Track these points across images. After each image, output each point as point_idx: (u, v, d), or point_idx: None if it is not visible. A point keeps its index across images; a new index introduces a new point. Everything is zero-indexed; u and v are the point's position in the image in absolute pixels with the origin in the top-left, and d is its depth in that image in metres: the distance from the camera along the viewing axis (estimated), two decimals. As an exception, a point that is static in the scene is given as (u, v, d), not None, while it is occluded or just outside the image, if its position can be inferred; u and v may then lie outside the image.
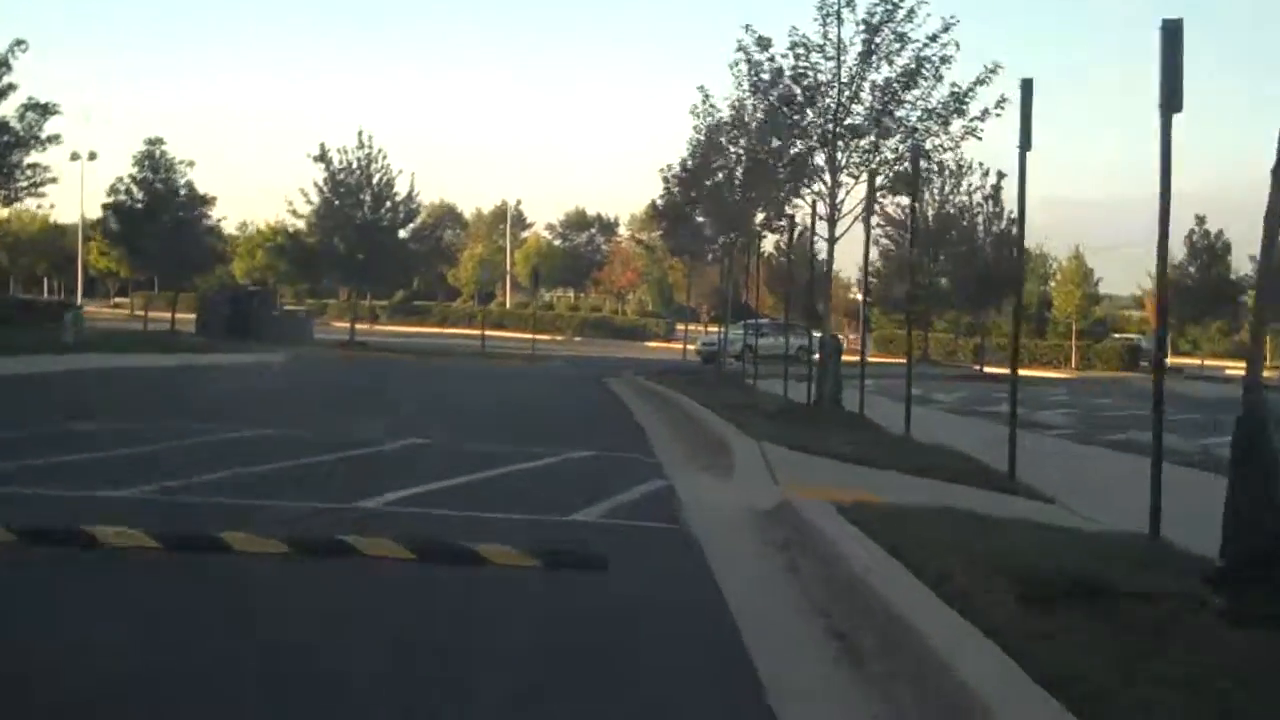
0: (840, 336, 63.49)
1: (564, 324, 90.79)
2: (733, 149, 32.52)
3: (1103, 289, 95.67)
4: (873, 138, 18.24)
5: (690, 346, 66.00)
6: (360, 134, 56.60)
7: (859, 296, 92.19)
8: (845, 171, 18.12)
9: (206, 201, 58.13)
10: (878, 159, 18.70)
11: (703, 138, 34.99)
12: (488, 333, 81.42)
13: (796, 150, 17.99)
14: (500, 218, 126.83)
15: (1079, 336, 78.87)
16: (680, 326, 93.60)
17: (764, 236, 34.42)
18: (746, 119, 27.11)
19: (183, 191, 57.18)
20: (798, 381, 28.36)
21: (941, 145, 18.35)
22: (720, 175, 35.29)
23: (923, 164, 19.02)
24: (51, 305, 62.20)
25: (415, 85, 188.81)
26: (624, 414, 26.08)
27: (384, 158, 56.87)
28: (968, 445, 17.04)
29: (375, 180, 56.79)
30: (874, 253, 68.35)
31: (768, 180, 22.40)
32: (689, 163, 37.71)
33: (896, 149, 18.37)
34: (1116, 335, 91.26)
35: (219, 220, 62.17)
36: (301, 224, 57.72)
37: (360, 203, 56.63)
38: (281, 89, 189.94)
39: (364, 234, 56.23)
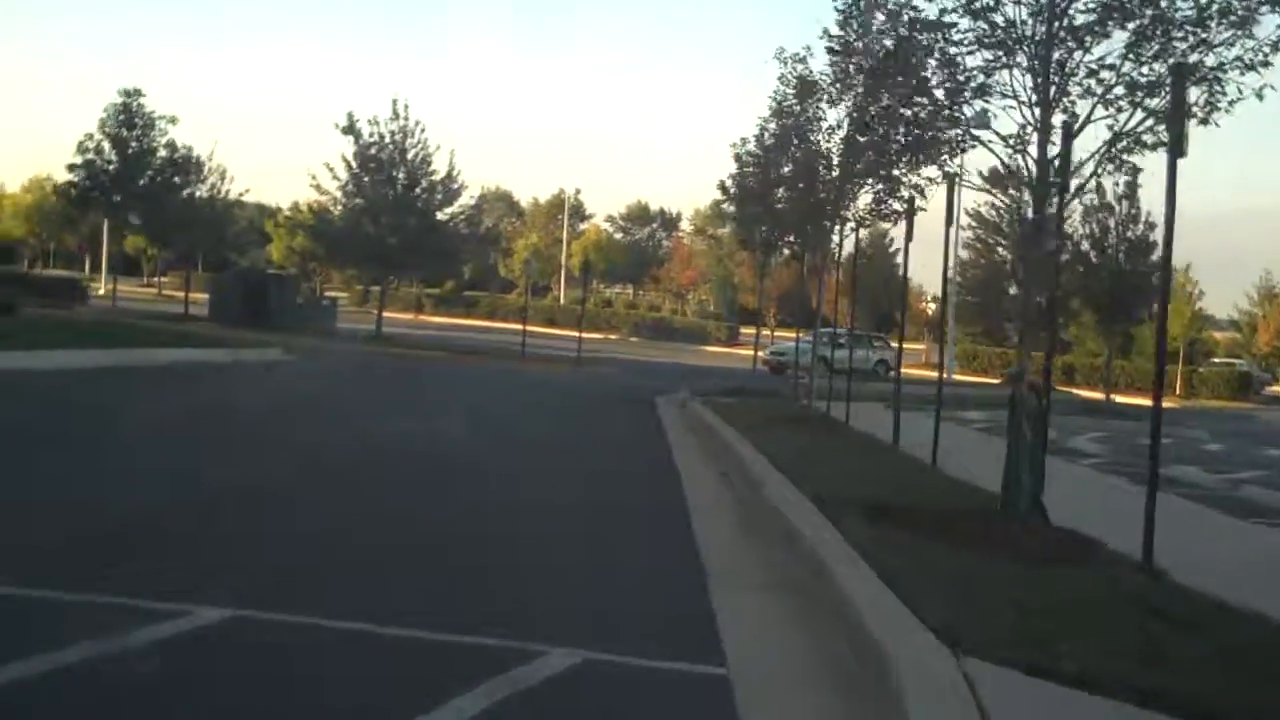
0: (887, 342, 56.81)
1: (619, 322, 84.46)
2: (830, 111, 26.23)
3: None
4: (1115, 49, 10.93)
5: (758, 353, 59.64)
6: (395, 103, 50.63)
7: (931, 307, 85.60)
8: (1061, 105, 11.08)
9: (196, 165, 52.50)
10: (1118, 81, 11.16)
11: (789, 100, 28.20)
12: (537, 329, 75.44)
13: (965, 78, 11.24)
14: (558, 207, 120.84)
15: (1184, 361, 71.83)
16: (745, 330, 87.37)
17: (865, 224, 27.15)
18: (852, 69, 20.85)
19: (162, 151, 51.57)
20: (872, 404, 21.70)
21: (1233, 62, 10.99)
22: (804, 150, 28.24)
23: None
24: (55, 282, 56.70)
25: (472, 68, 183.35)
26: (667, 493, 15.07)
27: (421, 131, 50.83)
28: None
29: (410, 156, 50.67)
30: (962, 253, 61.35)
31: (880, 149, 15.78)
32: (768, 134, 30.89)
33: (1151, 69, 11.09)
34: (1215, 360, 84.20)
35: (240, 194, 56.57)
36: (330, 202, 51.67)
37: (392, 180, 50.55)
38: (324, 68, 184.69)
39: (396, 215, 50.19)
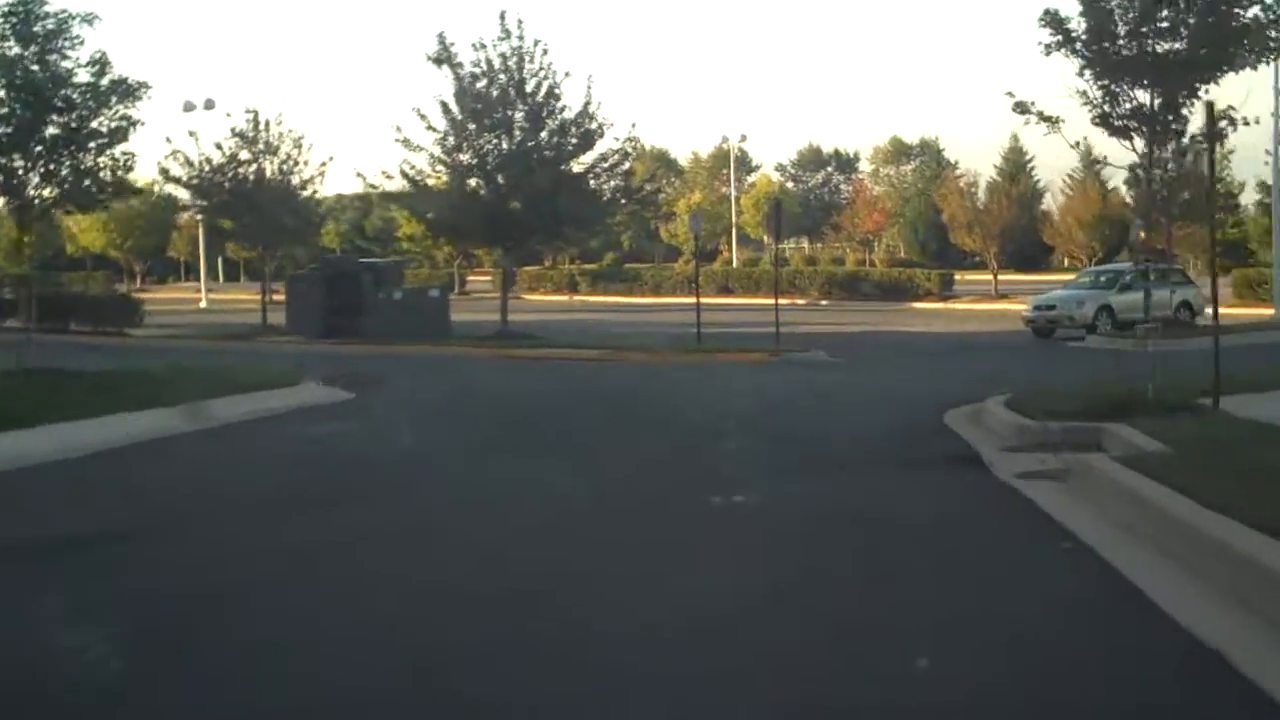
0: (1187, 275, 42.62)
1: (804, 283, 71.11)
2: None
3: None
4: None
5: (1015, 307, 46.25)
6: (504, 18, 37.96)
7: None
8: None
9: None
10: None
11: None
12: (711, 300, 62.54)
13: None
14: (721, 161, 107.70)
15: None
16: (966, 277, 73.47)
17: None
18: None
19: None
20: None
21: None
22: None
23: None
24: (106, 303, 45.44)
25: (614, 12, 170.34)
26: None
27: (543, 54, 38.16)
28: None
29: (531, 89, 38.07)
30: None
31: None
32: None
33: None
34: None
35: (321, 166, 44.69)
36: (422, 161, 38.83)
37: (508, 123, 38.08)
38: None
39: (516, 170, 37.74)
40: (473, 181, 38.77)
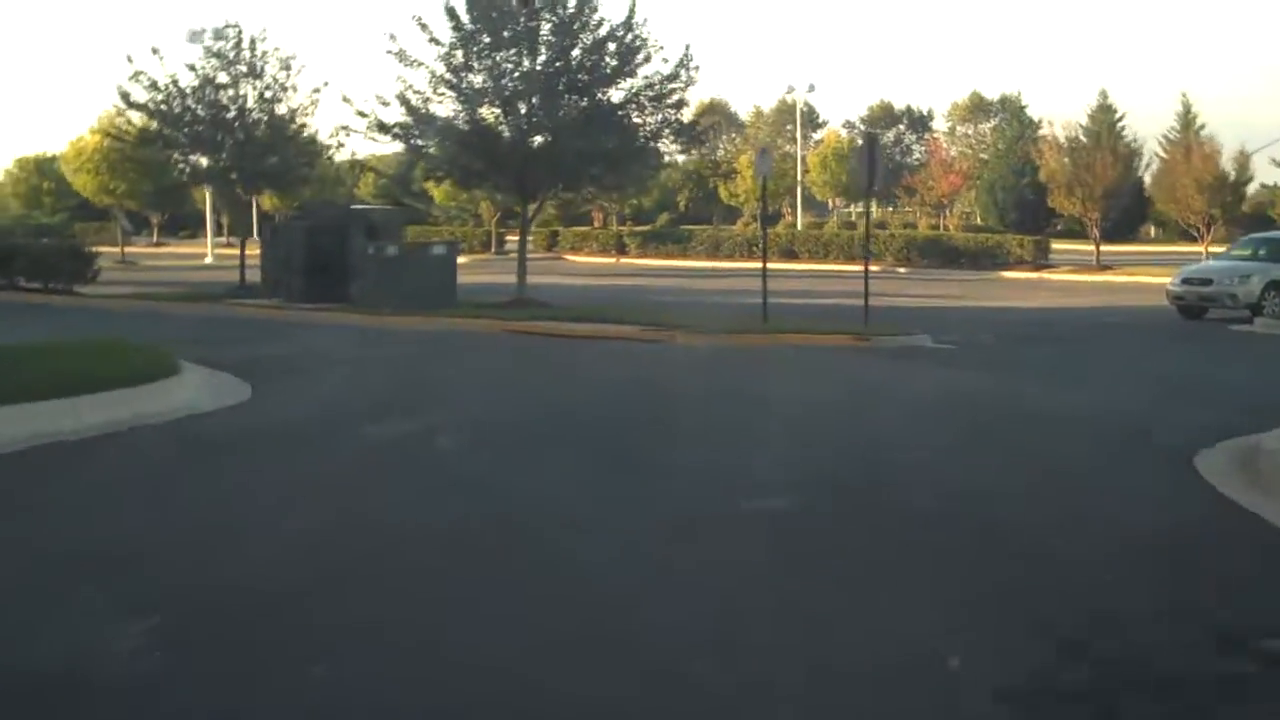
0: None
1: (879, 248, 63.11)
2: None
3: None
4: None
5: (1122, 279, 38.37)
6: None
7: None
8: None
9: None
10: None
11: None
12: (774, 266, 54.95)
13: None
14: (785, 116, 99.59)
15: None
16: (1064, 246, 65.38)
17: None
18: None
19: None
20: None
21: None
22: None
23: None
24: (56, 254, 37.99)
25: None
26: None
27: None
28: None
29: (555, -6, 30.44)
30: None
31: None
32: None
33: None
34: None
35: (315, 92, 37.14)
36: (422, 81, 31.03)
37: (531, 35, 30.42)
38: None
39: (541, 97, 30.15)
40: (486, 112, 31.09)
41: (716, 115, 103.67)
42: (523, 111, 30.65)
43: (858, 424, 14.44)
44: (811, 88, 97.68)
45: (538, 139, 30.93)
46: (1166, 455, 11.95)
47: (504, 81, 30.60)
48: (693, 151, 52.21)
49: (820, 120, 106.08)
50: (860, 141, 26.60)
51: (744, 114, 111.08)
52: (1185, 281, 31.53)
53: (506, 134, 30.79)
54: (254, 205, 64.81)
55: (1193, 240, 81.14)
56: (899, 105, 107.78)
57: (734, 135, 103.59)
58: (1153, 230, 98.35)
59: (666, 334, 23.86)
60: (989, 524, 9.21)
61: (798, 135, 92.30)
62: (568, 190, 33.30)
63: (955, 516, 9.41)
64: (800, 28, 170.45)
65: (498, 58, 30.60)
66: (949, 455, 12.19)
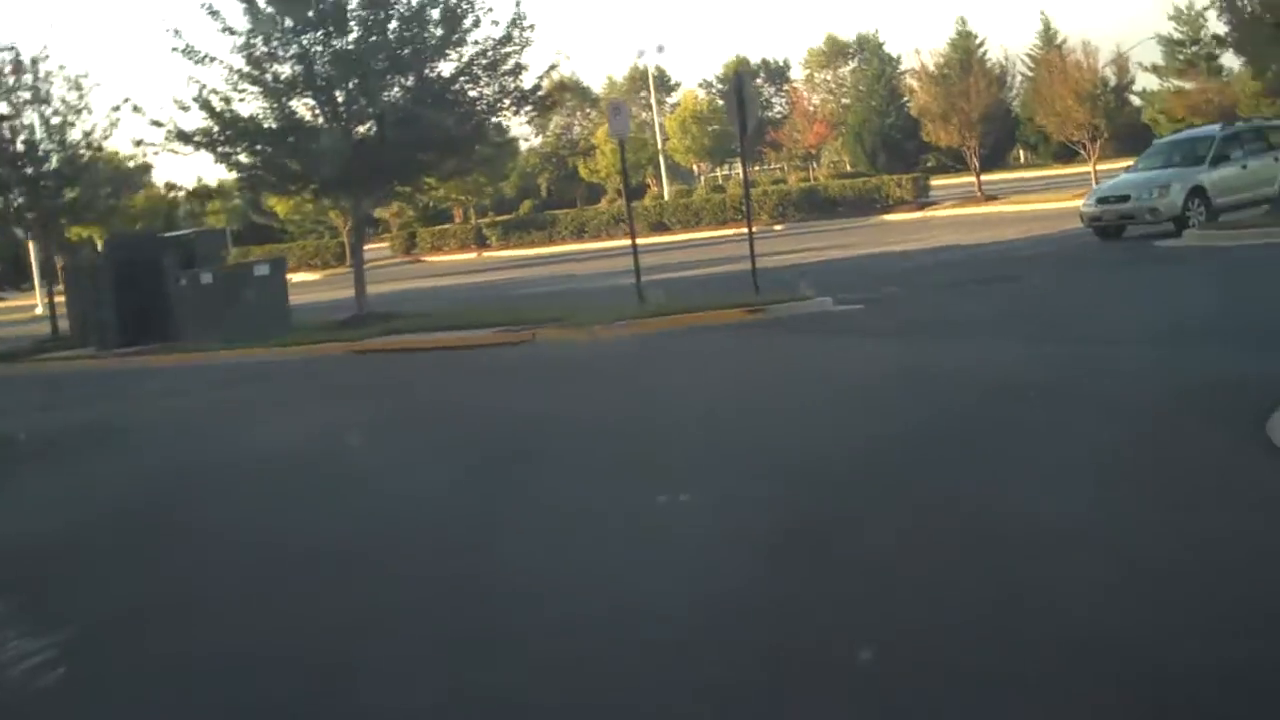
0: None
1: (756, 209, 59.83)
2: None
3: None
4: None
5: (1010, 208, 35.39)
6: None
7: None
8: None
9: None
10: None
11: None
12: (645, 241, 51.67)
13: None
14: (638, 83, 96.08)
15: None
16: (944, 182, 62.68)
17: None
18: None
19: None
20: None
21: None
22: None
23: None
24: None
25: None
26: None
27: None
28: None
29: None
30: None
31: None
32: None
33: None
34: None
35: (113, 115, 32.99)
36: (218, 80, 26.95)
37: (338, 11, 26.51)
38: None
39: (358, 79, 26.34)
40: (298, 104, 27.20)
41: (569, 92, 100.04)
42: (340, 100, 26.82)
43: (789, 441, 10.96)
44: (661, 49, 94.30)
45: (361, 129, 27.15)
46: (1207, 429, 8.79)
47: (314, 67, 26.76)
48: (540, 120, 48.35)
49: (674, 83, 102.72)
50: (729, 88, 22.74)
51: (597, 87, 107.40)
52: (1100, 200, 28.45)
53: (324, 126, 26.92)
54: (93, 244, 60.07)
55: (1069, 161, 79.30)
56: (754, 59, 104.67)
57: (589, 110, 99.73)
58: (1022, 155, 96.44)
59: (527, 333, 20.25)
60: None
61: (652, 101, 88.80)
62: (404, 183, 29.31)
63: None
64: None
65: (304, 41, 26.72)
66: (934, 494, 8.74)
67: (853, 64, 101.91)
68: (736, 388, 14.12)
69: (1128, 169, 31.27)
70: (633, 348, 18.65)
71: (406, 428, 13.61)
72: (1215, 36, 26.93)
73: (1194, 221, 26.51)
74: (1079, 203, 45.27)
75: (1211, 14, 31.09)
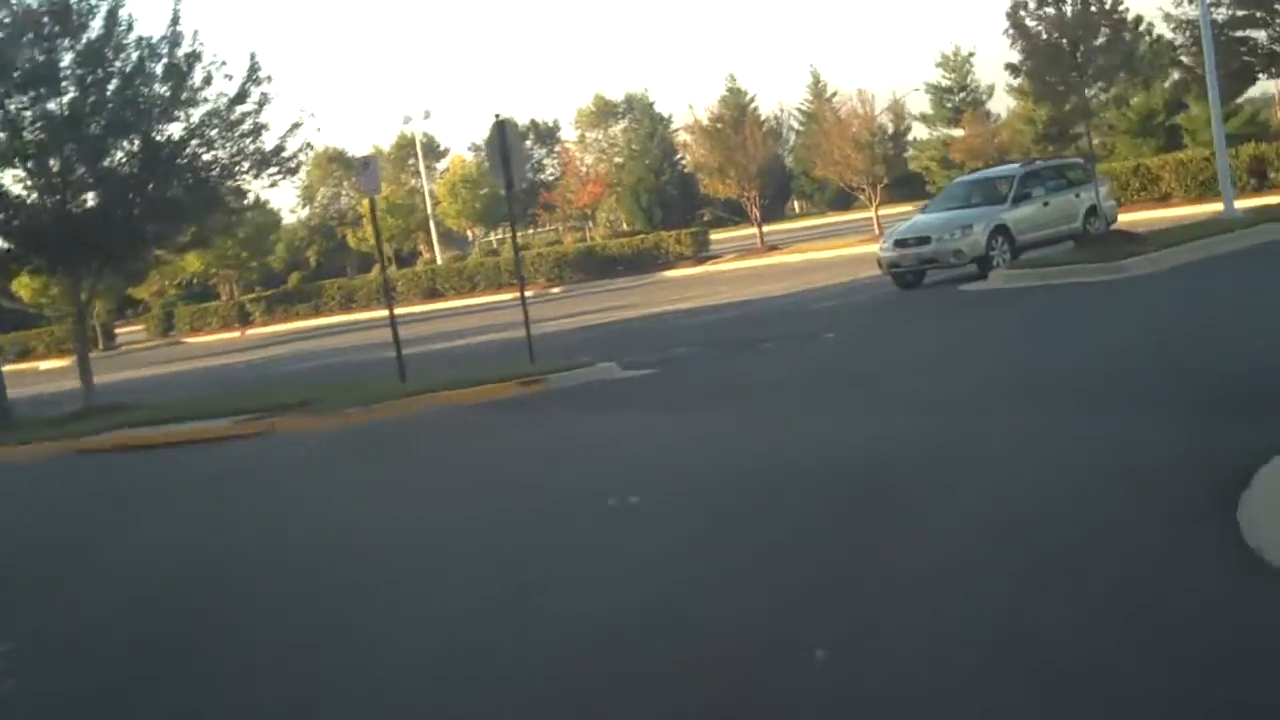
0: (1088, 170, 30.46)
1: (527, 270, 57.74)
2: None
3: None
4: None
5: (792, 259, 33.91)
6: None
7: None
8: None
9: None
10: None
11: None
12: (416, 309, 49.63)
13: None
14: (408, 150, 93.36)
15: None
16: (724, 236, 61.40)
17: None
18: None
19: None
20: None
21: None
22: None
23: None
24: None
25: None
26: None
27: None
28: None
29: (78, 9, 23.75)
30: None
31: None
32: None
33: None
34: None
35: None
36: None
37: (50, 71, 23.57)
38: None
39: (74, 141, 23.45)
40: (6, 176, 24.17)
41: (335, 165, 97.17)
42: (54, 168, 23.85)
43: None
44: (428, 114, 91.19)
45: (82, 199, 24.22)
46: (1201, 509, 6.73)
47: (23, 134, 23.77)
48: (306, 191, 45.61)
49: (444, 149, 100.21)
50: (489, 138, 20.34)
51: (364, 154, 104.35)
52: (899, 243, 26.62)
53: (36, 200, 23.90)
54: None
55: (845, 208, 79.22)
56: (523, 120, 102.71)
57: (355, 181, 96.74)
58: (797, 205, 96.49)
59: (264, 424, 17.60)
60: None
61: (421, 167, 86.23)
62: (132, 257, 26.33)
63: None
64: (407, 58, 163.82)
65: (10, 107, 23.73)
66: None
67: (623, 123, 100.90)
68: (476, 500, 11.15)
69: (921, 210, 29.85)
70: (383, 436, 16.15)
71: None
72: (1008, 65, 25.48)
73: (998, 261, 25.10)
74: (864, 248, 44.46)
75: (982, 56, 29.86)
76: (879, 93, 73.80)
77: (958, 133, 78.94)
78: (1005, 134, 62.96)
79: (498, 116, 20.47)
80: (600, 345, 23.83)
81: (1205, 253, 23.45)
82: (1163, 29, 28.35)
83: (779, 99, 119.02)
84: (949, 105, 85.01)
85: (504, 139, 20.55)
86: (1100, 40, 25.08)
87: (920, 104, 75.06)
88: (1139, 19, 27.96)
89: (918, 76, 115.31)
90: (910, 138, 66.21)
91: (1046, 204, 26.81)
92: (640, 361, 20.03)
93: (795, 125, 79.68)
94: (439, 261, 73.77)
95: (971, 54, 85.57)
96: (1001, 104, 77.52)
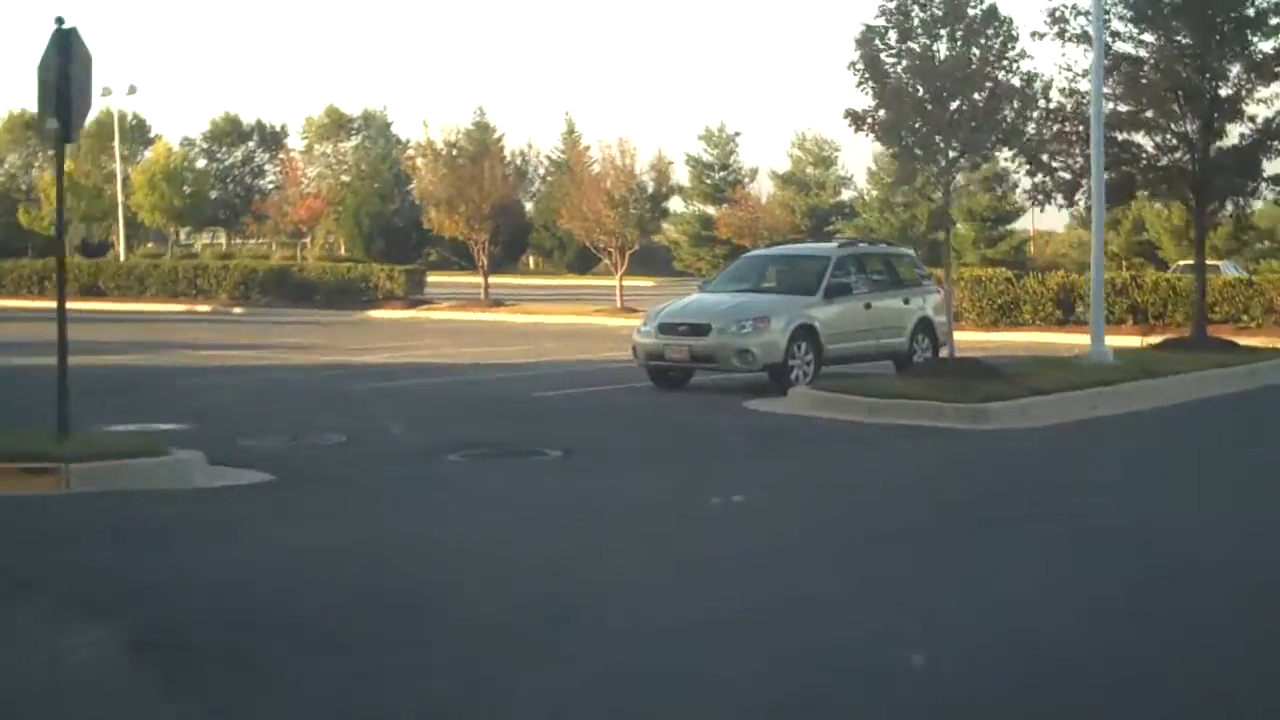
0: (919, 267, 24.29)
1: (210, 283, 49.05)
2: None
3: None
4: None
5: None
6: None
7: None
8: None
9: None
10: None
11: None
12: (81, 305, 39.56)
13: None
14: (107, 130, 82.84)
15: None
16: (442, 279, 53.63)
17: None
18: None
19: None
20: None
21: None
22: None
23: None
24: None
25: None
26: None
27: None
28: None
29: None
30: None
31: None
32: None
33: None
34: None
35: None
36: None
37: None
38: None
39: None
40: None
41: (31, 133, 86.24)
42: None
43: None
44: (133, 89, 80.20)
45: None
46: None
47: None
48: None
49: (154, 135, 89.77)
50: (47, 49, 12.58)
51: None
52: (665, 329, 19.02)
53: None
54: None
55: (585, 272, 72.38)
56: (248, 119, 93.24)
57: (40, 154, 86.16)
58: (533, 261, 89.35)
59: None
60: None
61: (117, 150, 76.03)
62: None
63: None
64: (124, 28, 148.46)
65: None
66: None
67: (356, 139, 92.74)
68: None
69: (701, 287, 22.16)
70: None
71: None
72: (851, 112, 18.13)
73: (799, 374, 18.04)
74: (602, 320, 37.55)
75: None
76: (643, 148, 67.10)
77: (711, 210, 73.40)
78: (768, 218, 57.53)
79: (60, 22, 12.10)
80: (223, 402, 16.12)
81: (1089, 411, 16.81)
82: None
83: (529, 138, 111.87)
84: (708, 181, 79.73)
85: (65, 61, 12.12)
86: (979, 97, 18.32)
87: (680, 175, 69.00)
88: (1045, 85, 21.33)
89: (679, 148, 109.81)
90: (667, 206, 59.72)
91: (869, 306, 19.86)
92: (257, 451, 12.29)
93: (543, 171, 73.08)
94: (123, 256, 64.55)
95: (738, 134, 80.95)
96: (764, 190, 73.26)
